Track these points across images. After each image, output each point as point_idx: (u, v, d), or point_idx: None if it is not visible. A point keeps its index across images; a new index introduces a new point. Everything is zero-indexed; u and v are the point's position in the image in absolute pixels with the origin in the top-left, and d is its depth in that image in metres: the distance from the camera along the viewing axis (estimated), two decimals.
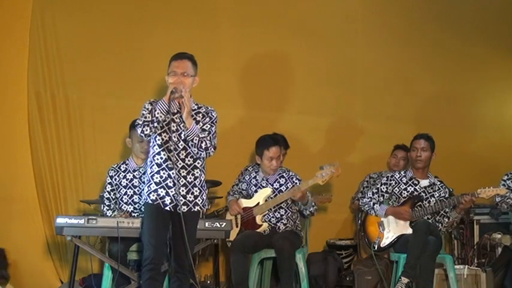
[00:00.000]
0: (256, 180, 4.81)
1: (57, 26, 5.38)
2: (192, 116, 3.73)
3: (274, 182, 4.75)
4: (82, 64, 5.44)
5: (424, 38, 6.36)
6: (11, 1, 5.31)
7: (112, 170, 4.44)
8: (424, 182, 4.78)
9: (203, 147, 3.67)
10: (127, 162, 4.46)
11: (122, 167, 4.44)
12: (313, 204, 4.71)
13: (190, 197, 3.71)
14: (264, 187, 4.75)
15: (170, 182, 3.66)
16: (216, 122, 3.80)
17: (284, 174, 4.78)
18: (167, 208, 3.66)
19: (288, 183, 4.72)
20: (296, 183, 4.69)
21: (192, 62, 3.75)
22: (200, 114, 3.78)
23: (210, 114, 3.79)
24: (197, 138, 3.66)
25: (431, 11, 6.41)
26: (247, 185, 4.85)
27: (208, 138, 3.69)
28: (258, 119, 5.86)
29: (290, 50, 6.07)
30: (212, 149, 3.72)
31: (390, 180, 4.84)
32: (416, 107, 6.33)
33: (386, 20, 6.31)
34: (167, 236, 3.70)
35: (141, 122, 3.63)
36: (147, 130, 3.61)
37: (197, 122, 3.73)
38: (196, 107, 3.80)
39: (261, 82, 5.99)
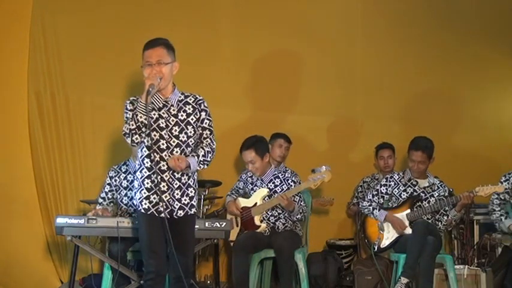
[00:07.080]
0: (252, 179, 4.81)
1: (57, 26, 5.39)
2: (180, 107, 3.47)
3: (269, 183, 4.74)
4: (82, 64, 5.44)
5: (425, 38, 6.34)
6: (11, 1, 5.31)
7: (112, 170, 4.43)
8: (423, 183, 4.77)
9: (206, 164, 3.49)
10: (127, 163, 4.44)
11: (122, 168, 4.43)
12: (301, 211, 4.65)
13: (185, 200, 3.46)
14: (259, 187, 4.75)
15: (163, 186, 3.40)
16: (210, 113, 3.52)
17: (280, 175, 4.75)
18: (162, 215, 3.38)
19: (283, 184, 4.70)
20: (291, 185, 4.67)
21: (167, 48, 3.43)
22: (190, 106, 3.48)
23: (202, 106, 3.49)
24: (198, 169, 3.48)
25: (431, 10, 6.40)
26: (243, 183, 4.86)
27: (208, 140, 3.51)
28: (259, 120, 5.84)
29: (290, 50, 6.05)
30: (213, 154, 3.52)
31: (389, 182, 4.83)
32: (417, 106, 6.31)
33: (386, 20, 6.30)
34: (166, 242, 3.46)
35: (127, 131, 3.33)
36: (137, 139, 3.34)
37: (188, 115, 3.46)
38: (183, 96, 3.50)
39: (262, 83, 5.98)
